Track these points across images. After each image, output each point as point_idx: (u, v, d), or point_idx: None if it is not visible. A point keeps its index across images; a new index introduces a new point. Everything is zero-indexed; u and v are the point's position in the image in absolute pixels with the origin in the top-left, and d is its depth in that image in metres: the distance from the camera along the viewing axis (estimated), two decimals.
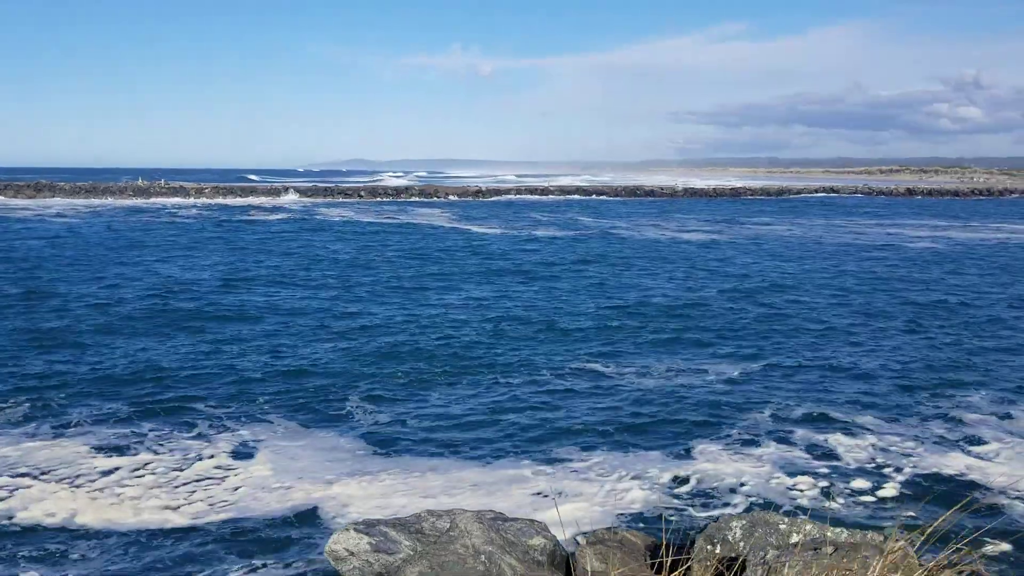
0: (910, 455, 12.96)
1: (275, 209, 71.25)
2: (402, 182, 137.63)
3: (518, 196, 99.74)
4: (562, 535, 6.88)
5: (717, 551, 5.78)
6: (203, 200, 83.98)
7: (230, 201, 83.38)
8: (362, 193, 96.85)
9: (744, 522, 5.78)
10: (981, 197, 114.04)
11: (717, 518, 6.03)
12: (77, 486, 11.59)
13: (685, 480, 11.93)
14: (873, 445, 13.34)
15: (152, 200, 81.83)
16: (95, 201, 78.57)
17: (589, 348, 19.72)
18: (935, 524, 5.27)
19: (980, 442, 13.53)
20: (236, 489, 11.65)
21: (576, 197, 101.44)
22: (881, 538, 5.65)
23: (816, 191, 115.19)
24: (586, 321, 22.79)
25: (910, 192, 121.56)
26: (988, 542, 9.43)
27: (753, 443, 13.39)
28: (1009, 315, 24.28)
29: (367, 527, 5.78)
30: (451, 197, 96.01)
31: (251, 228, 52.00)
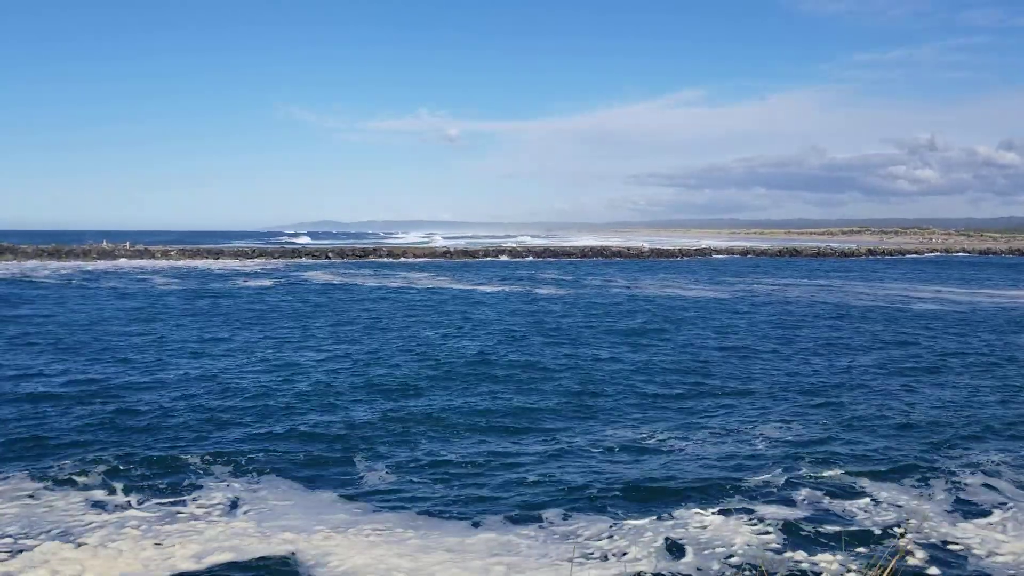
0: (908, 519, 12.69)
1: (260, 274, 70.38)
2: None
3: (493, 258, 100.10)
4: None
5: None
6: (173, 262, 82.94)
7: (212, 264, 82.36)
8: (330, 255, 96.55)
9: None
10: (939, 254, 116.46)
11: None
12: (72, 541, 11.03)
13: (677, 547, 11.48)
14: (872, 508, 13.06)
15: (119, 263, 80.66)
16: (64, 264, 77.15)
17: (607, 415, 19.37)
18: None
19: (983, 510, 13.02)
20: (216, 543, 11.12)
21: (551, 259, 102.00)
22: None
23: (780, 252, 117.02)
24: (610, 388, 22.09)
25: (871, 252, 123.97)
26: None
27: (751, 502, 13.06)
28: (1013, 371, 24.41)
29: None
30: (421, 259, 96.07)
31: (239, 293, 51.27)
